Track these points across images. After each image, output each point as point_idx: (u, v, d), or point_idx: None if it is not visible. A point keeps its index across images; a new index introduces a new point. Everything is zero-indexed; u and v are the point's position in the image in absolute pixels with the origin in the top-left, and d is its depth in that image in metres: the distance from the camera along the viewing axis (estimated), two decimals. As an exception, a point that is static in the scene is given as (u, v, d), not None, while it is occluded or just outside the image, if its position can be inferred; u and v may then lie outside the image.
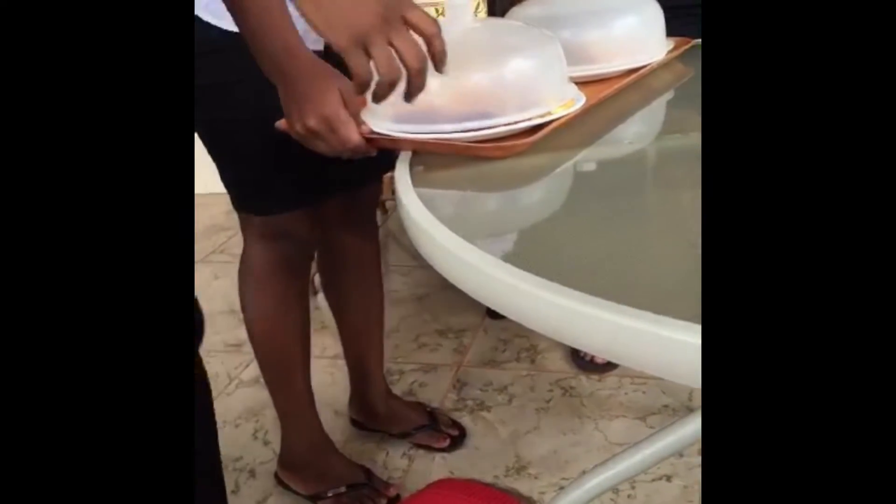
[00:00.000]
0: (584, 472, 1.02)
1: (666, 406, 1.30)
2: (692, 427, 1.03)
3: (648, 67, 0.83)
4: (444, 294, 1.71)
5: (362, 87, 0.59)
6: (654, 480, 1.13)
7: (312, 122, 0.69)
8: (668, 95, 0.83)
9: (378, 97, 0.60)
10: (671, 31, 0.88)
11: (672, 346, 0.37)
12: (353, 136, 0.69)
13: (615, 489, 1.09)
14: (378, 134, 0.71)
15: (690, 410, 1.27)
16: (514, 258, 0.46)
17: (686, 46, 0.89)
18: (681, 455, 1.16)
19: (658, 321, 0.37)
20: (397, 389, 1.38)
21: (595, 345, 0.41)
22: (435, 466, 1.21)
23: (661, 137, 0.74)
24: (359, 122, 0.70)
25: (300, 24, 0.73)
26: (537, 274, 0.43)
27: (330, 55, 0.76)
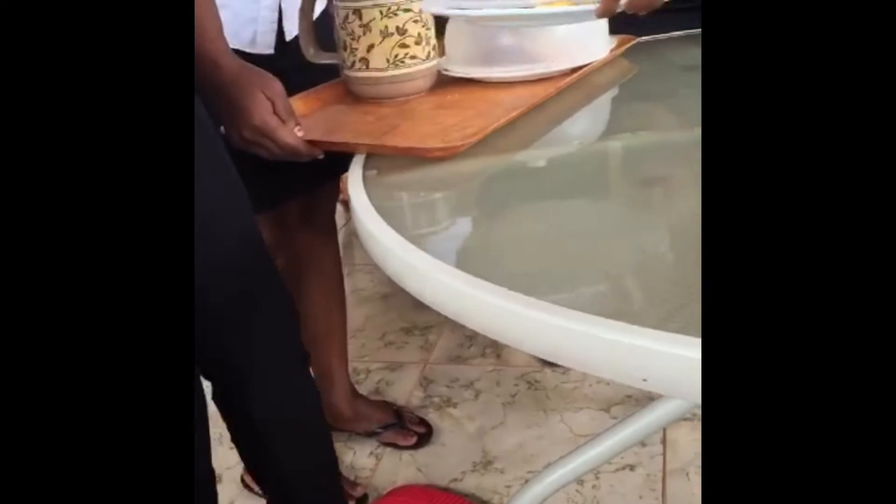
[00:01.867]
0: (549, 465, 1.04)
1: (629, 396, 1.32)
2: (654, 416, 1.05)
3: (591, 66, 0.84)
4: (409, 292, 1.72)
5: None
6: (617, 470, 1.15)
7: (246, 133, 0.70)
8: (614, 92, 0.85)
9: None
10: (614, 29, 0.89)
11: (616, 348, 0.38)
12: (289, 139, 0.69)
13: (580, 480, 1.11)
14: (318, 138, 0.71)
15: (652, 400, 1.29)
16: (465, 263, 0.47)
17: (628, 45, 0.91)
18: (643, 444, 1.18)
19: (606, 325, 0.38)
20: (363, 388, 1.38)
21: (542, 348, 0.42)
22: (402, 465, 1.22)
23: (610, 137, 0.75)
24: (295, 124, 0.70)
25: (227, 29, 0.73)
26: (488, 279, 0.44)
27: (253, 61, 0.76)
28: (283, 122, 0.69)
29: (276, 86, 0.71)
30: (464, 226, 0.58)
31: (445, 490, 1.15)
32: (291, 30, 0.91)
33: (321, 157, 0.72)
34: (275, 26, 0.90)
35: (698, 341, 0.36)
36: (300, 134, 0.70)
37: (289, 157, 0.71)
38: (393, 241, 0.51)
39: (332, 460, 0.93)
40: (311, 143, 0.71)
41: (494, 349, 1.49)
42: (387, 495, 1.13)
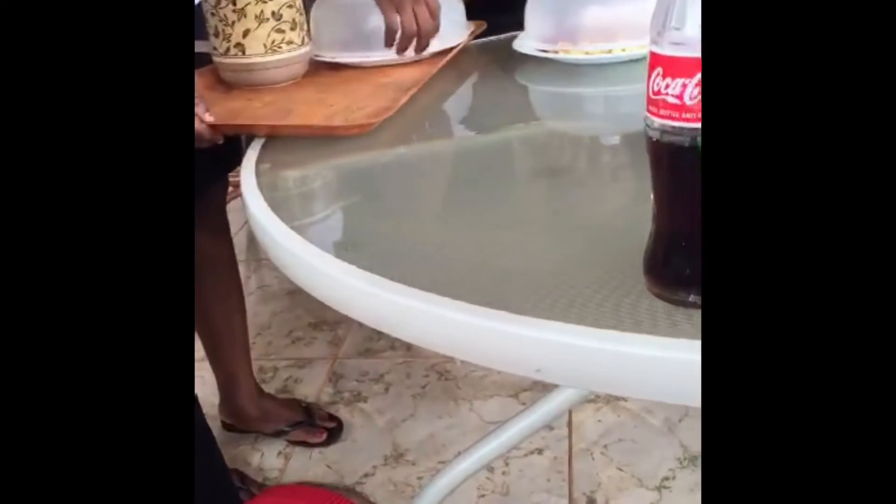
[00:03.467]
0: (458, 454, 1.05)
1: (537, 382, 1.35)
2: (559, 399, 1.08)
3: (458, 48, 0.88)
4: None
5: (390, 38, 0.83)
6: (526, 455, 1.17)
7: None
8: (474, 80, 0.89)
9: (399, 48, 0.84)
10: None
11: (507, 339, 0.38)
12: (194, 122, 0.68)
13: (490, 467, 1.13)
14: (224, 121, 0.70)
15: (559, 385, 1.33)
16: (355, 256, 0.46)
17: (480, 29, 0.96)
18: (551, 428, 1.21)
19: (497, 317, 0.38)
20: (271, 387, 1.35)
21: (435, 342, 0.41)
22: (312, 463, 1.20)
23: (489, 127, 0.76)
24: (204, 110, 0.69)
25: None
26: (378, 271, 0.43)
27: None
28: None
29: None
30: (354, 218, 0.58)
31: (317, 487, 1.14)
32: None
33: (220, 141, 0.71)
34: None
35: (590, 330, 0.37)
36: (209, 119, 0.68)
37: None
38: (283, 234, 0.50)
39: (219, 459, 0.91)
40: (214, 127, 0.69)
41: (404, 341, 1.49)
42: (259, 495, 1.10)
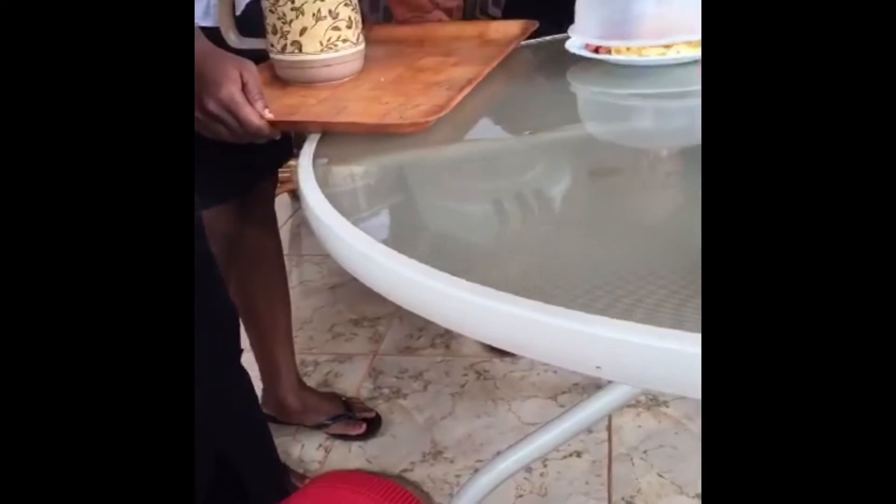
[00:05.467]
0: (497, 454, 1.05)
1: (576, 384, 1.34)
2: (599, 404, 1.07)
3: (510, 49, 0.86)
4: (358, 283, 1.69)
5: None
6: (564, 457, 1.17)
7: (211, 106, 0.70)
8: (526, 79, 0.88)
9: None
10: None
11: (571, 336, 0.38)
12: (253, 118, 0.69)
13: (528, 468, 1.12)
14: (282, 118, 0.71)
15: (598, 388, 1.32)
16: (418, 251, 0.47)
17: (532, 28, 0.93)
18: (590, 431, 1.20)
19: (561, 314, 0.38)
20: (312, 381, 1.37)
21: (496, 337, 0.42)
22: (352, 456, 1.21)
23: (547, 127, 0.76)
24: (263, 106, 0.71)
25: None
26: (440, 267, 0.44)
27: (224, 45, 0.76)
28: (252, 102, 0.69)
29: (252, 67, 0.71)
30: (409, 213, 0.58)
31: (371, 475, 1.15)
32: (241, 2, 0.89)
33: (278, 137, 0.72)
34: None
35: (651, 329, 0.37)
36: (269, 116, 0.70)
37: (248, 138, 0.71)
38: (342, 227, 0.51)
39: (272, 447, 0.93)
40: (273, 123, 0.70)
41: (444, 339, 1.49)
42: (310, 484, 1.11)
